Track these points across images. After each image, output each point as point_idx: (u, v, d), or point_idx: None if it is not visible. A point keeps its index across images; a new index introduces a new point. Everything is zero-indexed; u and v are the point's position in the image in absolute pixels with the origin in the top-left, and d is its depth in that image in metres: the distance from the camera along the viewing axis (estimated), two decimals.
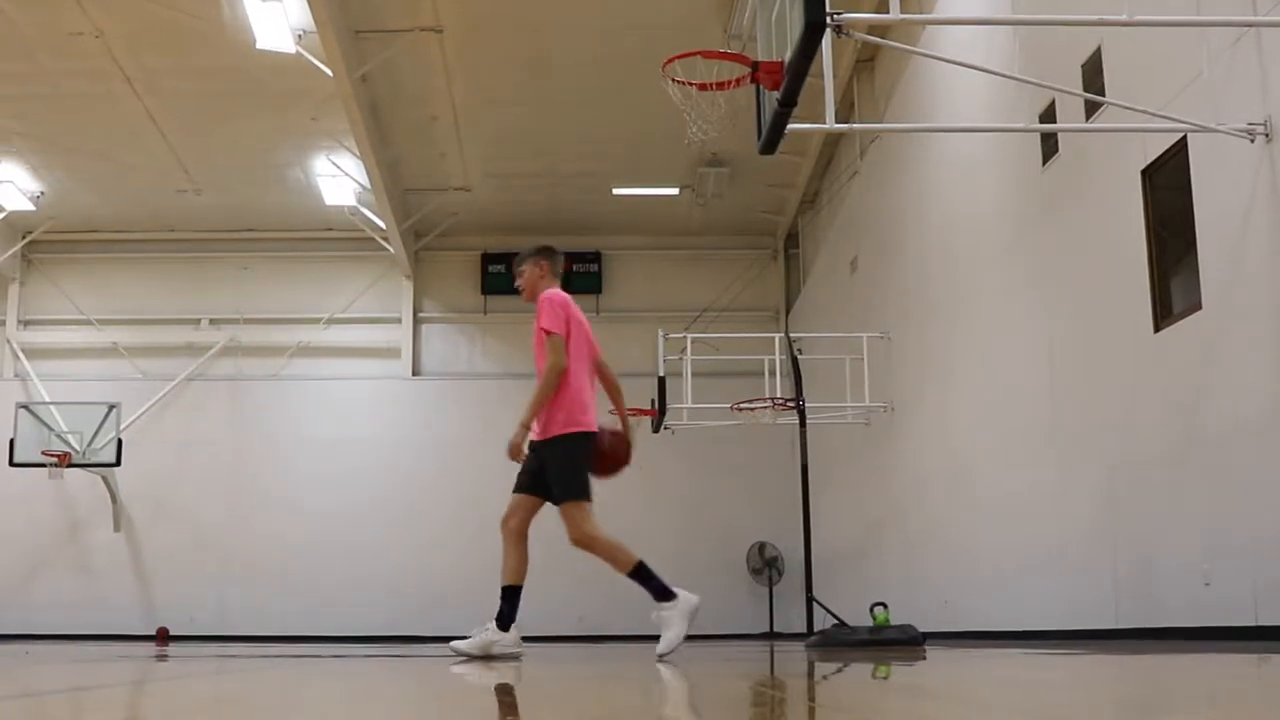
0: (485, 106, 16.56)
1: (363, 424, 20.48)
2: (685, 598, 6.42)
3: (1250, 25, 6.70)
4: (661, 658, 6.13)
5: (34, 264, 21.30)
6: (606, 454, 6.68)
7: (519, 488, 6.71)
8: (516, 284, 7.06)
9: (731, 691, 3.72)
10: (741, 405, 14.81)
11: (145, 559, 20.23)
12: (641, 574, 6.48)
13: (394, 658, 7.14)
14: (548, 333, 6.60)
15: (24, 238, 20.84)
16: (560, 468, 6.57)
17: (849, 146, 16.51)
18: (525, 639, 6.98)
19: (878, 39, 7.85)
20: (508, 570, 6.67)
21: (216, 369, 20.95)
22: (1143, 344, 8.02)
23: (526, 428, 6.56)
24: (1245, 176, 6.81)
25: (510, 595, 6.70)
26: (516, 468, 6.73)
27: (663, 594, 6.44)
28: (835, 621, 10.72)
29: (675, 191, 19.48)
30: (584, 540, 6.51)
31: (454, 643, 6.79)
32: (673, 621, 6.36)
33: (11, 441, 18.77)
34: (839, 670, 5.12)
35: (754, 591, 20.01)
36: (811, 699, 3.38)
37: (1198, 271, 7.32)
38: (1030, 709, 2.74)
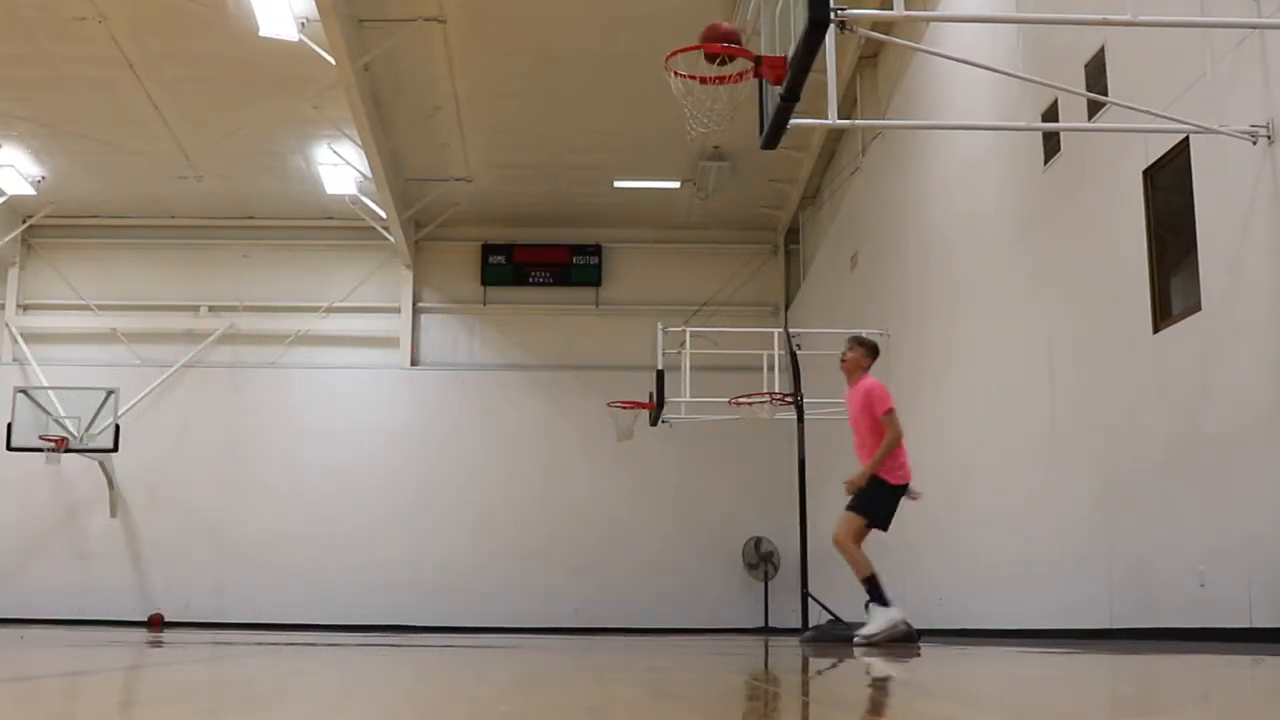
0: (488, 97, 16.54)
1: (361, 413, 20.47)
2: None
3: (1254, 27, 6.69)
4: None
5: (34, 248, 21.27)
6: None
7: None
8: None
9: (726, 685, 3.72)
10: (740, 400, 14.80)
11: (141, 545, 20.23)
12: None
13: (389, 647, 7.14)
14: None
15: (24, 222, 20.81)
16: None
17: (851, 142, 16.50)
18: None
19: (881, 35, 7.84)
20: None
21: (215, 356, 20.93)
22: (1142, 345, 8.01)
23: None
24: (1246, 178, 6.81)
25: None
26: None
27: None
28: (830, 617, 10.73)
29: (676, 185, 19.46)
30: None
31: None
32: None
33: (9, 426, 18.77)
34: (833, 666, 5.13)
35: (749, 586, 20.01)
36: (805, 694, 3.39)
37: (1198, 273, 7.32)
38: (1023, 706, 2.74)
